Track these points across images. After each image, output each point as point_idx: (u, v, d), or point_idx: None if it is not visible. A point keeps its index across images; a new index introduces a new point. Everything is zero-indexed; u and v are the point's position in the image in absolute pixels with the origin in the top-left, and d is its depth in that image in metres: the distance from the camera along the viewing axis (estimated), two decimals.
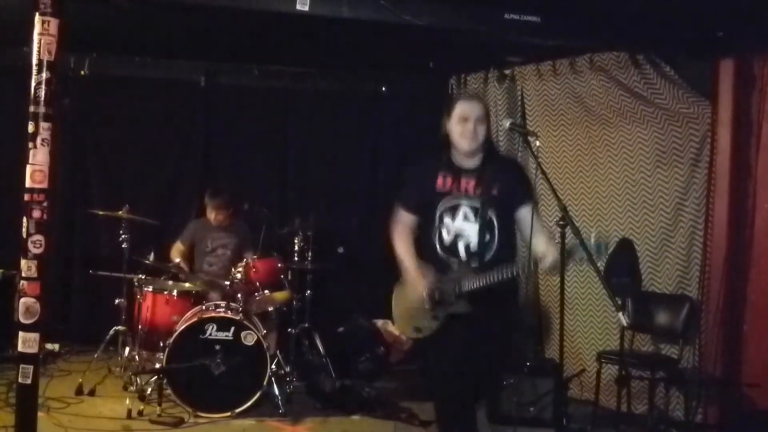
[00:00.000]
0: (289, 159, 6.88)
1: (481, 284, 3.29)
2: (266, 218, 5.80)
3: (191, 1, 4.33)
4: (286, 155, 6.88)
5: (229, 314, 4.92)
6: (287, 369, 5.42)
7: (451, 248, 3.41)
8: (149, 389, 4.91)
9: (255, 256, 5.39)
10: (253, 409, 4.83)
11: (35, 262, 3.61)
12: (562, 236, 3.29)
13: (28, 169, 3.58)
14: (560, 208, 3.35)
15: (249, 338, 4.84)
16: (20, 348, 3.63)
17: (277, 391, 4.97)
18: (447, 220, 3.41)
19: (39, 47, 3.55)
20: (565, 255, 3.21)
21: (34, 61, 3.57)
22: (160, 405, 4.66)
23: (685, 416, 4.94)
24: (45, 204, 3.61)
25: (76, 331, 6.48)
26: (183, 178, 6.75)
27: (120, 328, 5.45)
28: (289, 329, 5.81)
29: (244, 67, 6.68)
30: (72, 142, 6.48)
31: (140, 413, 4.68)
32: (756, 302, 4.94)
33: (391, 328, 6.05)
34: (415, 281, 3.43)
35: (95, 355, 5.45)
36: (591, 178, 5.68)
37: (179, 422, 4.61)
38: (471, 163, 3.43)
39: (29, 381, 3.63)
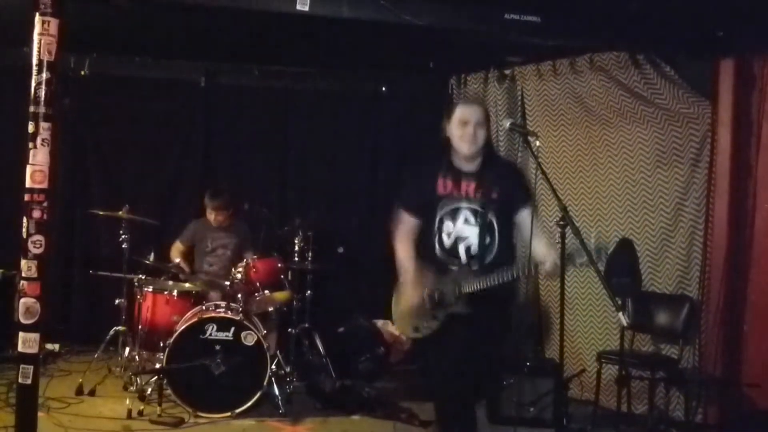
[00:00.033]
0: (289, 159, 6.88)
1: (482, 286, 3.31)
2: (266, 218, 5.80)
3: (191, 1, 4.32)
4: (286, 155, 6.88)
5: (229, 314, 4.92)
6: (287, 369, 5.42)
7: (452, 251, 3.42)
8: (149, 389, 4.91)
9: (255, 256, 5.39)
10: (253, 410, 4.83)
11: (35, 262, 3.61)
12: (563, 236, 3.29)
13: (28, 169, 3.58)
14: (560, 208, 3.35)
15: (249, 338, 4.84)
16: (20, 348, 3.63)
17: (277, 392, 4.97)
18: (447, 222, 3.42)
19: (39, 47, 3.55)
20: (565, 259, 3.23)
21: (34, 61, 3.56)
22: (160, 405, 4.66)
23: (685, 416, 4.94)
24: (45, 204, 3.60)
25: (76, 331, 6.47)
26: (183, 178, 6.75)
27: (120, 328, 5.44)
28: (289, 329, 5.81)
29: (244, 67, 6.68)
30: (72, 142, 6.47)
31: (140, 413, 4.68)
32: (756, 302, 4.95)
33: (391, 328, 6.04)
34: (412, 289, 3.44)
35: (95, 355, 5.45)
36: (591, 178, 5.68)
37: (179, 422, 4.61)
38: (471, 166, 3.44)
39: (29, 381, 3.63)
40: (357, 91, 6.90)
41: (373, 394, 5.30)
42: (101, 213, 5.65)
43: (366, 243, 6.66)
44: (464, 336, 3.35)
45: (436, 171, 3.47)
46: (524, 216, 3.41)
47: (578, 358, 5.67)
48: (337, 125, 6.87)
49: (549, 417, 4.88)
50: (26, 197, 3.60)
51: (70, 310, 6.60)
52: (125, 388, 5.13)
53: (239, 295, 5.14)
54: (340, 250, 6.43)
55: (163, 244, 6.00)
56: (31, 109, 3.57)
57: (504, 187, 3.41)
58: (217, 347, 4.78)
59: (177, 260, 5.79)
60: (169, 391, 4.75)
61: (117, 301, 5.46)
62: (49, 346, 6.00)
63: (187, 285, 5.48)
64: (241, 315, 4.95)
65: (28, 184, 3.59)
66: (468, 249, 3.39)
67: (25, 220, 3.59)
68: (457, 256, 3.41)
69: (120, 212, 5.46)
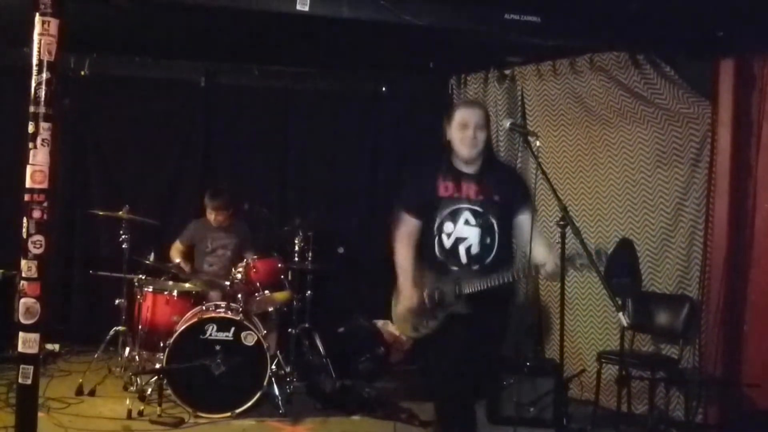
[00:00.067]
0: (289, 159, 6.88)
1: (482, 287, 3.32)
2: (266, 218, 5.80)
3: (191, 1, 4.32)
4: (286, 155, 6.88)
5: (230, 314, 4.92)
6: (287, 369, 5.42)
7: (452, 252, 3.42)
8: (149, 389, 4.91)
9: (255, 257, 5.39)
10: (253, 410, 4.83)
11: (35, 262, 3.61)
12: (563, 236, 3.30)
13: (28, 169, 3.58)
14: (560, 208, 3.36)
15: (249, 338, 4.84)
16: (20, 348, 3.63)
17: (277, 392, 4.97)
18: (448, 224, 3.42)
19: (39, 47, 3.55)
20: (565, 261, 3.23)
21: (34, 61, 3.56)
22: (160, 405, 4.66)
23: (685, 416, 4.94)
24: (45, 204, 3.60)
25: (76, 331, 6.47)
26: (183, 178, 6.75)
27: (120, 328, 5.44)
28: (290, 329, 5.81)
29: (244, 67, 6.68)
30: (72, 142, 6.47)
31: (140, 413, 4.68)
32: (756, 302, 4.95)
33: (391, 328, 6.04)
34: (411, 291, 3.44)
35: (95, 356, 5.45)
36: (591, 178, 5.68)
37: (179, 422, 4.61)
38: (471, 168, 3.46)
39: (29, 381, 3.62)
40: (357, 91, 6.90)
41: (373, 394, 5.30)
42: (101, 213, 5.65)
43: (366, 243, 6.66)
44: (464, 336, 3.35)
45: (437, 172, 3.47)
46: (524, 220, 3.43)
47: (578, 358, 5.67)
48: (337, 125, 6.87)
49: (549, 417, 4.88)
50: (26, 197, 3.60)
51: (70, 310, 6.60)
52: (125, 389, 5.13)
53: (239, 295, 5.14)
54: (340, 250, 6.43)
55: (163, 244, 6.00)
56: (31, 109, 3.57)
57: (504, 190, 3.43)
58: (217, 347, 4.78)
59: (177, 260, 5.78)
60: (169, 391, 4.75)
61: (117, 301, 5.46)
62: (49, 346, 6.00)
63: (187, 285, 5.48)
64: (241, 315, 4.95)
65: (28, 184, 3.59)
66: (468, 250, 3.40)
67: (25, 220, 3.59)
68: (457, 256, 3.41)
69: (120, 212, 5.46)
